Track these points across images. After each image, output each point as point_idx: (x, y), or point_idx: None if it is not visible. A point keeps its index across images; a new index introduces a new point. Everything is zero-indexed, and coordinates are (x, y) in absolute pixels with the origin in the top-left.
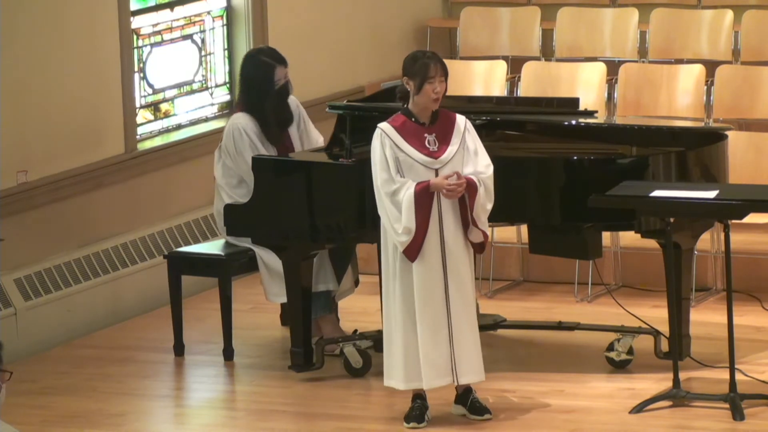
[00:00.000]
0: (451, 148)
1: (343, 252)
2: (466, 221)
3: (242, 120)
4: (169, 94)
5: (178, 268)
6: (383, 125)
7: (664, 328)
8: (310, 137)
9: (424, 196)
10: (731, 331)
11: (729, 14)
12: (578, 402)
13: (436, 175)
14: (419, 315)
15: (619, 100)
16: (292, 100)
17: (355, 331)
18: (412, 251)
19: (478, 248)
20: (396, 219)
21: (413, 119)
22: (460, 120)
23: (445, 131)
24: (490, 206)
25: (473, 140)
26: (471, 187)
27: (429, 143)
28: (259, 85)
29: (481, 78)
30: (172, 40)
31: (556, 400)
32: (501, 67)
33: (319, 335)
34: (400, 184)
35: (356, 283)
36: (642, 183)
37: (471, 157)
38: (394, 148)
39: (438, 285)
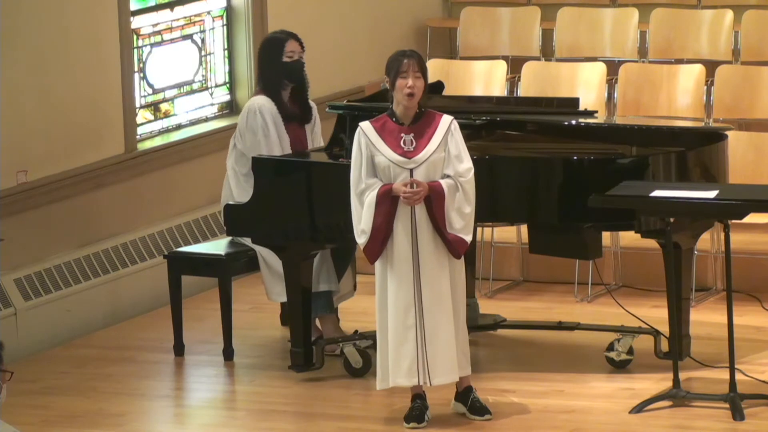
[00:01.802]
0: (428, 149)
1: (342, 253)
2: (437, 228)
3: (259, 100)
4: (169, 94)
5: (178, 268)
6: (363, 124)
7: (664, 328)
8: (316, 143)
9: (386, 200)
10: (731, 331)
11: (729, 14)
12: (578, 402)
13: (411, 175)
14: (390, 316)
15: (619, 100)
16: (313, 106)
17: (356, 331)
18: (370, 253)
19: (454, 253)
20: (358, 220)
21: (394, 119)
22: (445, 121)
23: (424, 131)
24: (468, 210)
25: (456, 143)
26: (437, 193)
27: (404, 143)
28: (271, 59)
29: (481, 78)
30: (172, 40)
31: (556, 400)
32: (501, 67)
33: (318, 335)
34: (367, 185)
35: (354, 287)
36: (642, 183)
37: (452, 160)
38: (370, 147)
39: (408, 288)
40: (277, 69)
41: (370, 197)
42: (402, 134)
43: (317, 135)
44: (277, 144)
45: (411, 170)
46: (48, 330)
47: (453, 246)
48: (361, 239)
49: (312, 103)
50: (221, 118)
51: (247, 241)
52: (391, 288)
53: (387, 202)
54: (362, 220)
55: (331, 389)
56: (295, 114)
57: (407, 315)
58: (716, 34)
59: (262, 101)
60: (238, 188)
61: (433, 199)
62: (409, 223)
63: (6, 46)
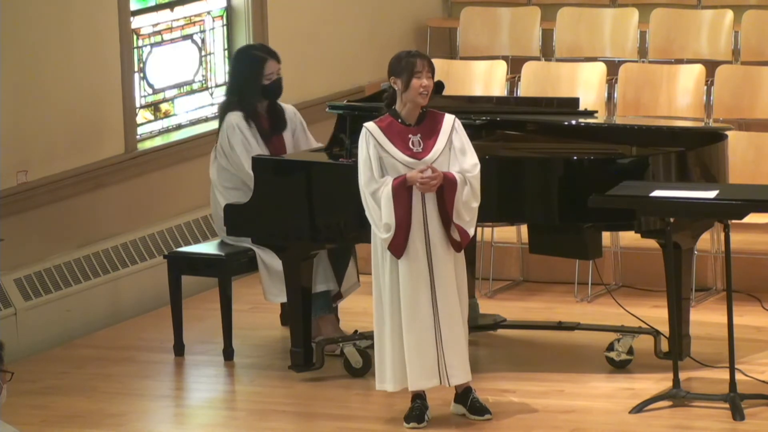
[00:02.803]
0: (436, 149)
1: (342, 252)
2: (445, 218)
3: (235, 118)
4: (169, 94)
5: (178, 268)
6: (369, 125)
7: (664, 328)
8: (309, 145)
9: (402, 190)
10: (731, 331)
11: (729, 14)
12: (578, 402)
13: None
14: (405, 315)
15: (619, 100)
16: (289, 109)
17: (356, 331)
18: (397, 248)
19: (456, 246)
20: (378, 217)
21: (399, 120)
22: (448, 119)
23: (430, 132)
24: (475, 205)
25: (460, 139)
26: (450, 182)
27: (413, 144)
28: (250, 80)
29: (481, 78)
30: (172, 40)
31: (556, 400)
32: (501, 67)
33: (319, 335)
34: (380, 183)
35: (358, 276)
36: (642, 183)
37: (457, 156)
38: (378, 148)
39: (424, 285)
40: (256, 91)
41: (386, 192)
42: (409, 135)
43: (300, 137)
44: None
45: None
46: (48, 330)
47: (458, 237)
48: (386, 235)
49: (285, 107)
50: None
51: (245, 242)
52: (405, 286)
53: (403, 194)
54: (383, 215)
55: (331, 389)
56: (270, 127)
57: (425, 315)
58: (716, 34)
59: (239, 119)
60: (227, 202)
61: (446, 188)
62: (421, 219)
63: (6, 46)
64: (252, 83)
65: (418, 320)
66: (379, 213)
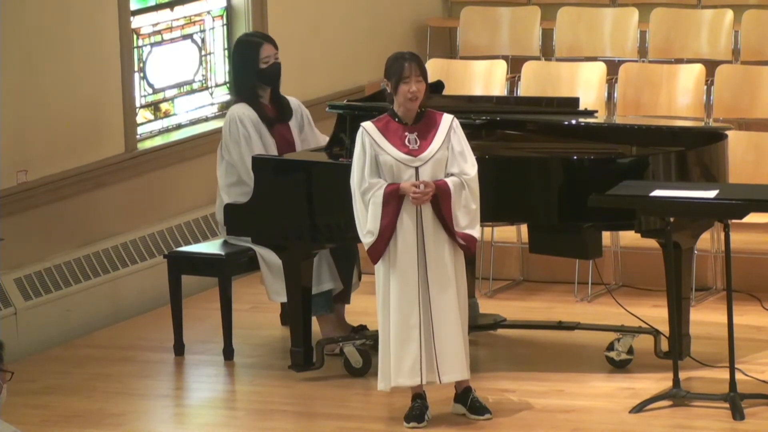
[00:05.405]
0: (433, 147)
1: (346, 252)
2: (446, 227)
3: (239, 109)
4: (169, 93)
5: (178, 267)
6: (366, 124)
7: (664, 328)
8: (317, 140)
9: (393, 199)
10: (731, 331)
11: (729, 14)
12: (578, 402)
13: (416, 172)
14: (392, 314)
15: (619, 100)
16: (293, 101)
17: (359, 326)
18: (375, 253)
19: (466, 250)
20: (363, 220)
21: (397, 119)
22: (446, 119)
23: (427, 130)
24: (474, 206)
25: (459, 140)
26: (443, 191)
27: (409, 141)
28: (247, 64)
29: (481, 78)
30: (172, 40)
31: (556, 400)
32: (501, 67)
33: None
34: (371, 185)
35: (359, 276)
36: (642, 183)
37: (456, 157)
38: (374, 146)
39: (412, 287)
40: (254, 76)
41: (377, 196)
42: (406, 133)
43: (308, 132)
44: (261, 151)
45: (417, 168)
46: (48, 330)
47: (464, 243)
48: (367, 239)
49: (290, 99)
50: (221, 118)
51: (246, 241)
52: (393, 287)
53: (394, 202)
54: (369, 220)
55: (331, 389)
56: (275, 116)
57: (411, 314)
58: (716, 34)
59: (242, 110)
60: (230, 200)
61: (441, 199)
62: (414, 222)
63: (6, 46)
64: (249, 67)
65: (403, 321)
66: (365, 216)
